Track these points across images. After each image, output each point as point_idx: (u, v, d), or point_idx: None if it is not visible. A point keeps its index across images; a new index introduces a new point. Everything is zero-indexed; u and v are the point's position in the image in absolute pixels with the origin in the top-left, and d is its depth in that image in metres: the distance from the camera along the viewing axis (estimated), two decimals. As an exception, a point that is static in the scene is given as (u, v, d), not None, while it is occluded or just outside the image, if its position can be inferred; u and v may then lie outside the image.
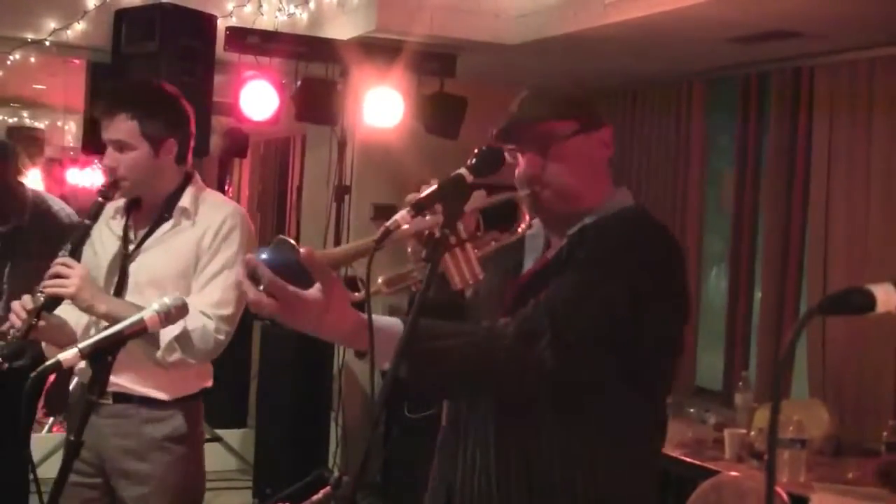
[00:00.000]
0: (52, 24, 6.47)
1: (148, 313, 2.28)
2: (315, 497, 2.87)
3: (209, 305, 3.27)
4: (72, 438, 2.20)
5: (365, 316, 1.98)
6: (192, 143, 3.52)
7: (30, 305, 3.14)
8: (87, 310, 3.23)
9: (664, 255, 2.27)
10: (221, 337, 3.31)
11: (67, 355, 2.18)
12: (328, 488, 2.73)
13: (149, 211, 3.40)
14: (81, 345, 2.20)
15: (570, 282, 2.18)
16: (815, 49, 5.39)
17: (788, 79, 5.70)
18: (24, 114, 12.84)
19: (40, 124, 12.97)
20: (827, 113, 5.43)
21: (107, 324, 3.13)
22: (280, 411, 6.68)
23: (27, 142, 11.70)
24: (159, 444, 3.32)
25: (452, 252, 2.13)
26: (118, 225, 3.42)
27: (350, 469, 5.65)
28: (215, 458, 7.33)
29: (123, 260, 3.33)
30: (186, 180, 3.43)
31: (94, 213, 3.28)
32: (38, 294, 3.18)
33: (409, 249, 2.21)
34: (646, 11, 4.87)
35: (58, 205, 5.09)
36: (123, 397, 3.28)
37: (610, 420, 2.25)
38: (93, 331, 3.29)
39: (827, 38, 5.12)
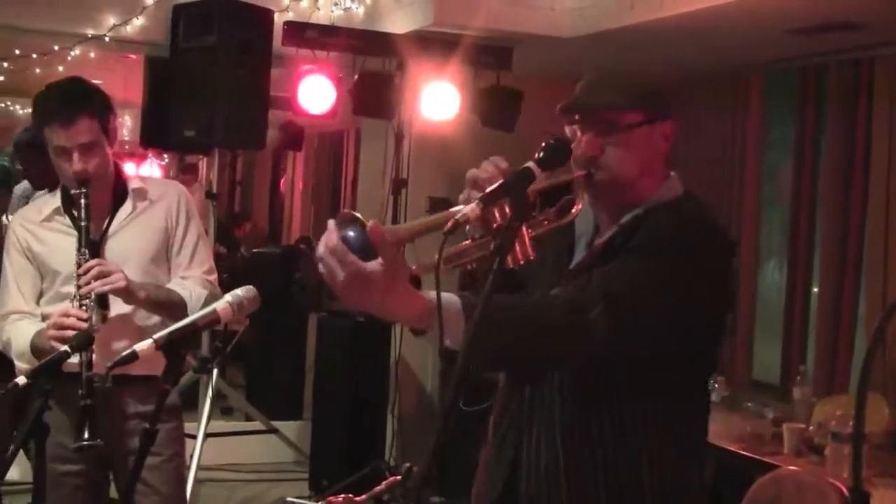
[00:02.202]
0: (111, 20, 6.56)
1: (221, 304, 2.31)
2: (377, 488, 2.90)
3: (206, 273, 3.57)
4: (146, 426, 2.24)
5: (425, 295, 2.00)
6: None
7: (84, 314, 3.22)
8: (129, 299, 3.35)
9: (716, 246, 2.31)
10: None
11: (142, 346, 2.22)
12: (392, 479, 2.76)
13: (95, 201, 3.41)
14: (156, 336, 2.24)
15: (624, 264, 2.22)
16: (874, 40, 5.33)
17: (847, 71, 5.65)
18: (81, 108, 12.98)
19: (97, 119, 13.09)
20: (887, 105, 5.37)
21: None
22: (336, 403, 6.71)
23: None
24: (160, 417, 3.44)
25: None
26: (63, 223, 3.48)
27: (411, 461, 5.68)
28: (271, 449, 7.39)
29: (93, 249, 3.37)
30: (116, 166, 3.54)
31: (87, 214, 3.33)
32: (87, 300, 3.25)
33: (468, 227, 2.18)
34: (703, 4, 4.85)
35: None
36: (123, 379, 3.36)
37: (670, 405, 2.32)
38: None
39: (887, 28, 5.07)
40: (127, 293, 3.32)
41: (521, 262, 2.17)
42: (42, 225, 3.51)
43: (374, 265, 1.93)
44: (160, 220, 3.53)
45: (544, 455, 2.34)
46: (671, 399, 2.32)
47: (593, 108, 2.35)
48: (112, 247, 3.46)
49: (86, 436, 3.09)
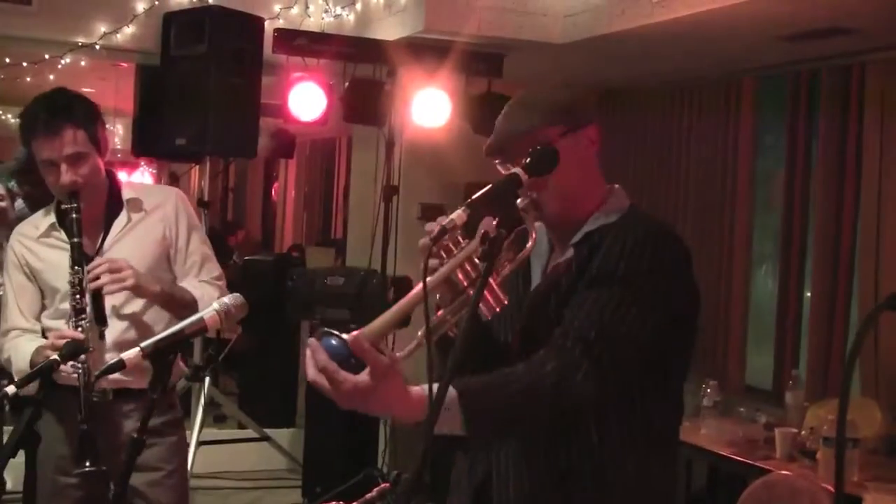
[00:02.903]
0: (102, 28, 6.54)
1: (208, 313, 2.31)
2: (368, 495, 2.89)
3: (216, 279, 3.52)
4: (135, 436, 2.23)
5: (418, 390, 2.04)
6: None
7: (80, 336, 3.20)
8: (141, 293, 3.33)
9: (674, 254, 2.31)
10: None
11: (130, 355, 2.22)
12: (384, 486, 2.74)
13: (88, 214, 3.37)
14: (143, 344, 2.23)
15: (592, 302, 2.22)
16: (866, 46, 5.34)
17: (839, 76, 5.65)
18: (73, 117, 12.95)
19: (89, 127, 13.06)
20: (878, 110, 5.38)
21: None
22: (329, 411, 6.58)
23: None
24: (160, 430, 3.43)
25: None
26: (60, 239, 3.42)
27: (404, 468, 5.67)
28: (264, 457, 7.38)
29: (86, 264, 3.32)
30: (109, 175, 3.48)
31: (78, 230, 3.28)
32: (82, 319, 3.24)
33: (438, 296, 2.20)
34: (695, 9, 4.84)
35: None
36: (125, 393, 3.38)
37: (641, 420, 2.31)
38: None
39: (878, 34, 5.08)
40: (138, 290, 3.30)
41: (497, 310, 2.16)
42: (39, 241, 3.46)
43: (364, 377, 1.96)
44: (157, 230, 3.47)
45: (513, 484, 2.34)
46: (649, 416, 2.33)
47: (512, 139, 2.33)
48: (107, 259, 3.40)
49: (87, 463, 3.07)
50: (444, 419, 2.00)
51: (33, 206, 5.26)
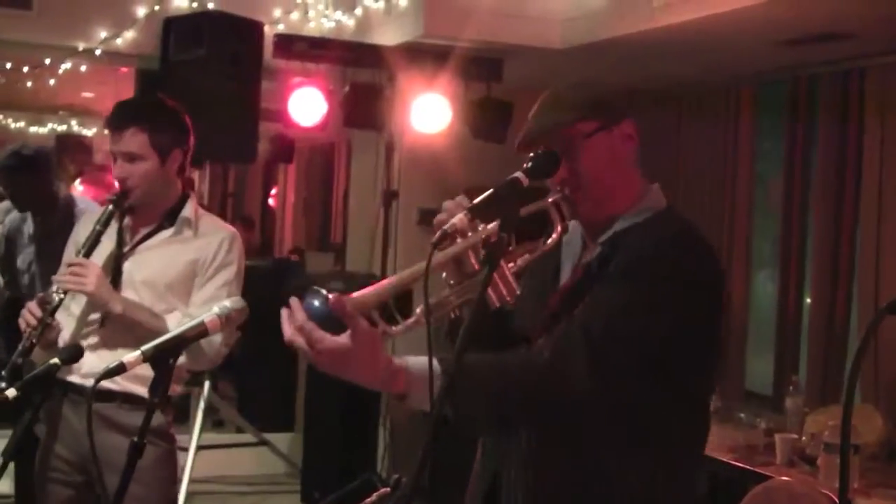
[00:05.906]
0: (102, 33, 6.54)
1: (209, 316, 2.30)
2: (368, 500, 2.89)
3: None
4: (135, 440, 2.23)
5: (402, 362, 2.01)
6: (191, 156, 3.66)
7: (38, 313, 3.29)
8: (103, 308, 3.38)
9: (700, 269, 2.24)
10: (225, 350, 3.50)
11: (130, 358, 2.21)
12: (383, 490, 2.75)
13: (146, 217, 3.53)
14: (144, 347, 2.22)
15: (606, 299, 2.16)
16: (866, 50, 5.33)
17: (838, 81, 5.65)
18: (73, 122, 12.96)
19: (89, 132, 13.08)
20: (877, 115, 5.37)
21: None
22: (328, 415, 6.70)
23: (76, 149, 11.79)
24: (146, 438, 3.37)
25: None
26: (111, 227, 3.51)
27: (403, 472, 5.67)
28: (263, 461, 7.38)
29: (118, 259, 3.47)
30: (185, 195, 3.59)
31: (105, 219, 3.42)
32: (54, 293, 3.33)
33: (444, 275, 2.18)
34: (694, 14, 4.85)
35: (83, 209, 5.16)
36: (106, 395, 3.33)
37: (654, 435, 2.23)
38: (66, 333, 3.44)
39: (879, 39, 5.08)
40: (94, 298, 3.36)
41: (508, 300, 2.15)
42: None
43: (343, 339, 1.93)
44: (193, 253, 3.50)
45: (521, 497, 2.28)
46: (663, 430, 2.24)
47: (546, 132, 2.31)
48: (136, 260, 3.49)
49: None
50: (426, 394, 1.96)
51: (18, 205, 5.26)
